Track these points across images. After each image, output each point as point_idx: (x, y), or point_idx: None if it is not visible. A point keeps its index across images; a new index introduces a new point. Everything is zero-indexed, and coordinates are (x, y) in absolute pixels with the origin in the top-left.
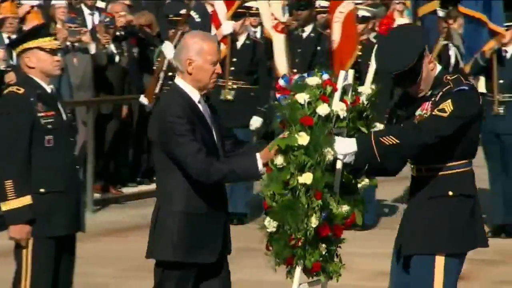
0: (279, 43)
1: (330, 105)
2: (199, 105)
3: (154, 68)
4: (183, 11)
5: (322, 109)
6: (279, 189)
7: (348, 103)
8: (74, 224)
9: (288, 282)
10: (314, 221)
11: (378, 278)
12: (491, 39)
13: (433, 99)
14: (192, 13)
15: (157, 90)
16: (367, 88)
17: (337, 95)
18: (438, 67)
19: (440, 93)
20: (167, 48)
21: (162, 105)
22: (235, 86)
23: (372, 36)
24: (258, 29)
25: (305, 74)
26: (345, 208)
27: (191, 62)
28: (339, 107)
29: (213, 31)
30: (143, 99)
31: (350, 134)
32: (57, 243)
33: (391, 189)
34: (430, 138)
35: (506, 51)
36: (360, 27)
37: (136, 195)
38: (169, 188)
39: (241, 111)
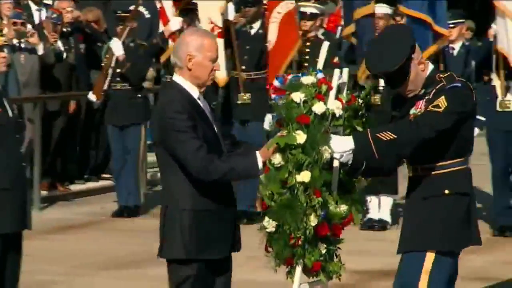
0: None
1: (325, 104)
2: (199, 101)
3: (102, 64)
4: (132, 7)
5: (318, 108)
6: (277, 189)
7: (344, 101)
8: (21, 222)
9: (288, 282)
10: (313, 220)
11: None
12: (435, 40)
13: (426, 97)
14: (142, 9)
15: (105, 87)
16: (332, 104)
17: (332, 93)
18: (430, 67)
19: (434, 91)
20: (115, 45)
21: (162, 102)
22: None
23: (320, 33)
24: None
25: (300, 74)
26: (343, 207)
27: (191, 58)
28: (335, 106)
29: (161, 27)
30: (92, 96)
31: (346, 133)
32: (3, 240)
33: None
34: (426, 133)
35: (453, 48)
36: (308, 24)
37: (84, 192)
38: (175, 187)
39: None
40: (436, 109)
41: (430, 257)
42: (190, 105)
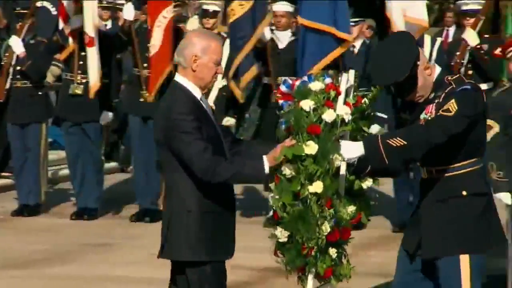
0: (91, 55)
1: (334, 110)
2: (202, 102)
3: (2, 63)
4: (38, 4)
5: (329, 116)
6: (289, 200)
7: (351, 105)
8: None
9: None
10: (325, 229)
11: None
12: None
13: (436, 101)
14: (49, 5)
15: (7, 86)
16: (341, 110)
17: (340, 98)
18: (437, 70)
19: (443, 94)
20: (14, 42)
21: (167, 103)
22: (84, 81)
23: (224, 29)
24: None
25: (306, 79)
26: (350, 208)
27: (197, 59)
28: (344, 111)
29: (61, 24)
30: None
31: (354, 135)
32: None
33: None
34: (438, 137)
35: (354, 46)
36: (211, 21)
37: None
38: (180, 188)
39: (92, 105)
40: (446, 114)
41: (465, 260)
42: (194, 106)
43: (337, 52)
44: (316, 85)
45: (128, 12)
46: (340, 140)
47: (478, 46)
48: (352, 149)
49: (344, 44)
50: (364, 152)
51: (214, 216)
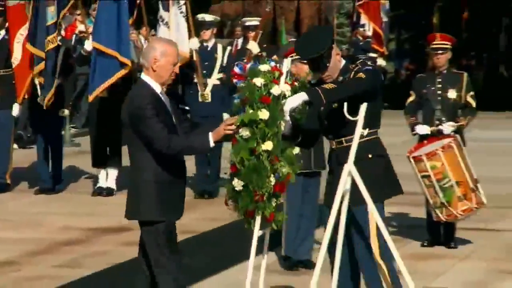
0: None
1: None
2: (161, 96)
3: None
4: None
5: (275, 90)
6: (246, 155)
7: (289, 84)
8: None
9: None
10: (273, 180)
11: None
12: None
13: (346, 80)
14: None
15: None
16: (284, 87)
17: (282, 78)
18: (343, 61)
19: (352, 73)
20: None
21: (133, 95)
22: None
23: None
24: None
25: (255, 63)
26: (285, 169)
27: (156, 61)
28: (285, 88)
29: None
30: None
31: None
32: None
33: None
34: (359, 85)
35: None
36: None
37: None
38: (140, 163)
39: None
40: (360, 77)
41: (372, 208)
42: (153, 98)
43: (120, 73)
44: (264, 67)
45: None
46: (284, 101)
47: (260, 54)
48: (296, 98)
49: (127, 67)
50: (308, 96)
51: (166, 185)
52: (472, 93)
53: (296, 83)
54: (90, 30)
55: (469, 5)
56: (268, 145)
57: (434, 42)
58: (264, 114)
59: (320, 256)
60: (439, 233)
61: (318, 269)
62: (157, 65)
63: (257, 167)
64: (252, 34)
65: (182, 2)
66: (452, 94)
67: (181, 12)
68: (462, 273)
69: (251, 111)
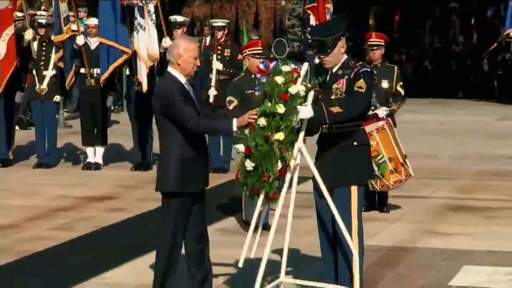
0: None
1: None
2: (185, 85)
3: None
4: None
5: (293, 89)
6: (261, 142)
7: (304, 85)
8: None
9: None
10: (279, 166)
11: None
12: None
13: (346, 77)
14: None
15: None
16: (300, 87)
17: (299, 80)
18: (345, 56)
19: (353, 73)
20: None
21: (162, 85)
22: None
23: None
24: None
25: (277, 63)
26: (289, 156)
27: (180, 56)
28: (301, 89)
29: None
30: None
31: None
32: None
33: None
34: (358, 108)
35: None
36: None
37: None
38: (168, 142)
39: None
40: (360, 90)
41: (354, 190)
42: (179, 87)
43: (122, 59)
44: (286, 68)
45: None
46: (297, 107)
47: (223, 69)
48: (305, 112)
49: (126, 54)
50: (314, 114)
51: (190, 161)
52: (401, 83)
53: (308, 84)
54: (82, 29)
55: (400, 9)
56: (280, 136)
57: (371, 40)
58: (281, 109)
59: (275, 220)
60: (374, 200)
61: (273, 231)
62: (181, 59)
63: (268, 153)
64: (219, 33)
65: (152, 11)
66: (385, 84)
67: (152, 20)
68: (394, 233)
69: (269, 104)
